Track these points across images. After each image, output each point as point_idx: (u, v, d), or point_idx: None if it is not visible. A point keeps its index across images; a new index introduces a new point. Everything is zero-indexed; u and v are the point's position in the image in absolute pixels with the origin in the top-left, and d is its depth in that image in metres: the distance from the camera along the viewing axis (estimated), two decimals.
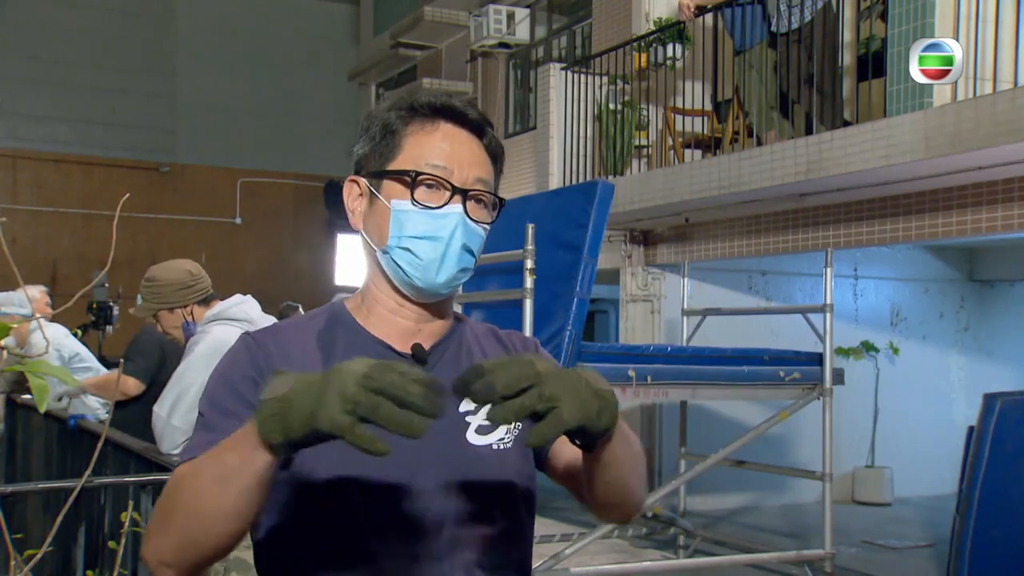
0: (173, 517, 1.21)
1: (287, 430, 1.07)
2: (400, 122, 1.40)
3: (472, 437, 1.39)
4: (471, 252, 1.39)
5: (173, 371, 3.47)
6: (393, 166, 1.38)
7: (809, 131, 6.57)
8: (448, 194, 1.37)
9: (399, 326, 1.42)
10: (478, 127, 1.42)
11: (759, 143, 6.93)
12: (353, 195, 1.44)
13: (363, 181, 1.42)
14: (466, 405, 1.39)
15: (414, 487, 1.33)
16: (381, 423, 1.02)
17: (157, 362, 4.49)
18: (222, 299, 3.65)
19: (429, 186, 1.37)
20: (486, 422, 1.32)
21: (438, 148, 1.38)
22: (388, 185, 1.39)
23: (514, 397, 1.08)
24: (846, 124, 6.44)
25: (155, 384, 4.24)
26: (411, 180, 1.36)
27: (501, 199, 1.44)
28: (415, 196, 1.36)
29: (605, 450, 1.25)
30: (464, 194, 1.37)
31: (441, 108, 1.41)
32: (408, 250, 1.36)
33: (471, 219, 1.38)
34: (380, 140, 1.41)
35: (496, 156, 1.44)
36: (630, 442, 1.33)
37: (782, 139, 6.73)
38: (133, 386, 4.44)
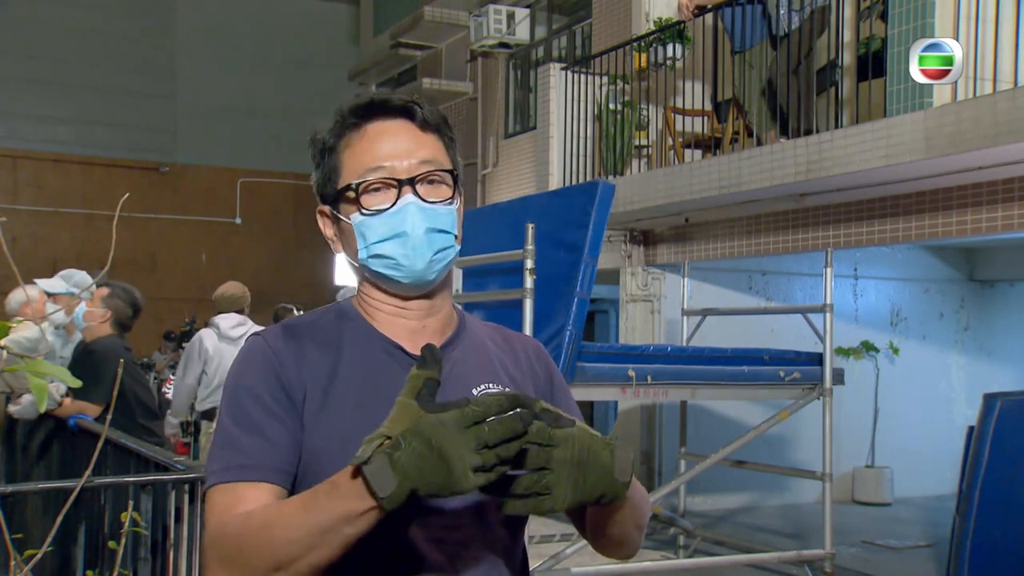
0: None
1: (419, 492, 1.10)
2: (334, 139, 1.43)
3: None
4: (442, 231, 1.40)
5: (125, 381, 3.74)
6: (341, 183, 1.41)
7: (808, 131, 6.57)
8: (395, 191, 1.38)
9: (403, 326, 1.44)
10: (405, 111, 1.43)
11: (759, 143, 6.92)
12: (326, 224, 1.48)
13: (326, 208, 1.46)
14: None
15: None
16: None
17: (111, 381, 4.49)
18: None
19: (375, 190, 1.39)
20: None
21: (370, 151, 1.40)
22: (343, 205, 1.42)
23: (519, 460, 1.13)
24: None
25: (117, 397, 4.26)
26: (355, 194, 1.39)
27: (454, 170, 1.43)
28: (364, 205, 1.39)
29: (609, 512, 1.33)
30: (412, 182, 1.39)
31: (364, 109, 1.42)
32: (379, 256, 1.39)
33: (429, 201, 1.39)
34: (324, 163, 1.44)
35: (438, 127, 1.44)
36: (637, 507, 1.39)
37: (782, 139, 6.72)
38: (94, 411, 4.50)
